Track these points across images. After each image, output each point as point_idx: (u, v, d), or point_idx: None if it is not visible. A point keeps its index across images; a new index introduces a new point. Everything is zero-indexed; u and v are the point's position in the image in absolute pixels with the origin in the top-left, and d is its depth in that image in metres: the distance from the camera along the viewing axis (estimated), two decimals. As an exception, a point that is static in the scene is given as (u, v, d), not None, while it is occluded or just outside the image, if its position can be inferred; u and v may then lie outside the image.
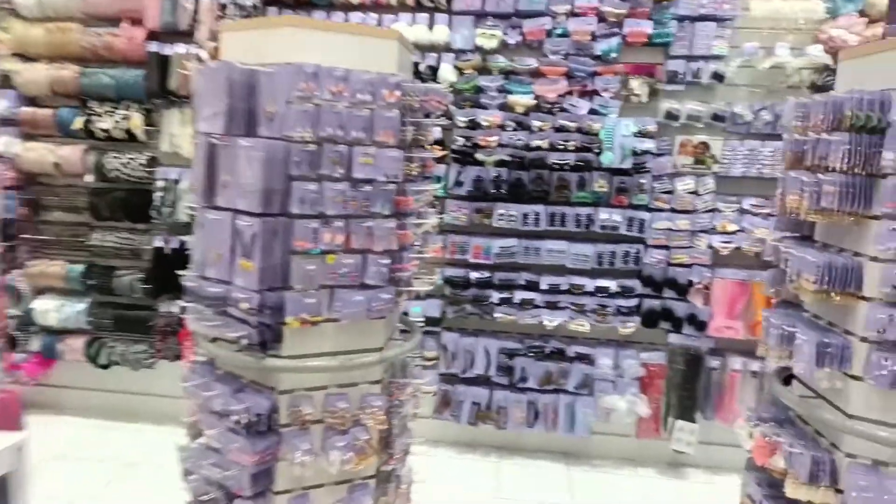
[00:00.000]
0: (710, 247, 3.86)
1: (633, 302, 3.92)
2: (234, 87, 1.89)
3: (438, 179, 3.96)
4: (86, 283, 4.26)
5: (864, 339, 1.82)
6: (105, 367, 4.33)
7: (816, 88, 3.76)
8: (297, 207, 1.94)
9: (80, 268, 4.29)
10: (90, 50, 4.05)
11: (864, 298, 1.83)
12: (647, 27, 3.83)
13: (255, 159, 1.87)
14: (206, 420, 2.11)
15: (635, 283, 3.92)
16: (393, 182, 2.06)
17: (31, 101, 4.28)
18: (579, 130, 3.85)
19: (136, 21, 4.03)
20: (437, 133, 3.95)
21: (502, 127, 3.89)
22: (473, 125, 3.91)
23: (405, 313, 2.79)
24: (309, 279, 1.98)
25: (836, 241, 1.97)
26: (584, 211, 3.91)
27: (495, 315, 3.97)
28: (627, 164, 3.82)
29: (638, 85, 3.90)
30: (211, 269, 2.03)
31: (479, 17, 3.98)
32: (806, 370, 1.83)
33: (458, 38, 3.98)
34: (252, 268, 1.91)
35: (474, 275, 3.99)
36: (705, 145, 3.90)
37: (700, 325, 3.88)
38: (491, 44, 3.95)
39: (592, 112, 3.88)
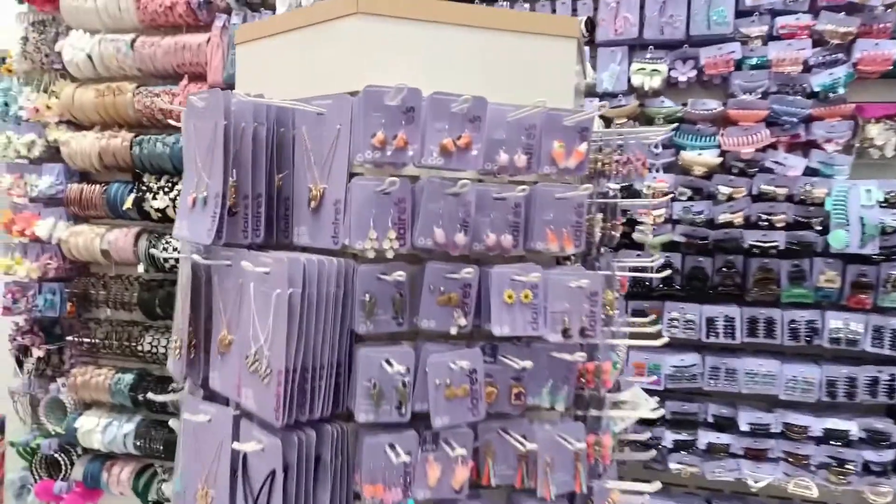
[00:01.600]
0: None
1: (887, 455, 2.69)
2: (239, 146, 0.86)
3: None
4: (135, 397, 3.46)
5: None
6: (157, 504, 3.51)
7: None
8: (365, 411, 0.86)
9: (128, 378, 3.50)
10: (145, 113, 3.31)
11: None
12: (891, 50, 2.65)
13: (279, 300, 0.81)
14: None
15: (889, 426, 2.71)
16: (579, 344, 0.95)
17: (83, 177, 3.63)
18: (791, 199, 2.77)
19: (198, 77, 3.26)
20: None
21: (672, 195, 2.86)
22: (630, 193, 2.84)
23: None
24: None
25: None
26: (802, 315, 2.77)
27: (670, 465, 2.85)
28: (871, 248, 2.66)
29: (879, 133, 2.73)
30: (196, 518, 0.98)
31: (635, 47, 2.95)
32: None
33: (606, 78, 2.98)
34: (267, 547, 0.84)
35: (637, 406, 2.83)
36: None
37: None
38: (653, 83, 2.90)
39: (810, 172, 2.78)
